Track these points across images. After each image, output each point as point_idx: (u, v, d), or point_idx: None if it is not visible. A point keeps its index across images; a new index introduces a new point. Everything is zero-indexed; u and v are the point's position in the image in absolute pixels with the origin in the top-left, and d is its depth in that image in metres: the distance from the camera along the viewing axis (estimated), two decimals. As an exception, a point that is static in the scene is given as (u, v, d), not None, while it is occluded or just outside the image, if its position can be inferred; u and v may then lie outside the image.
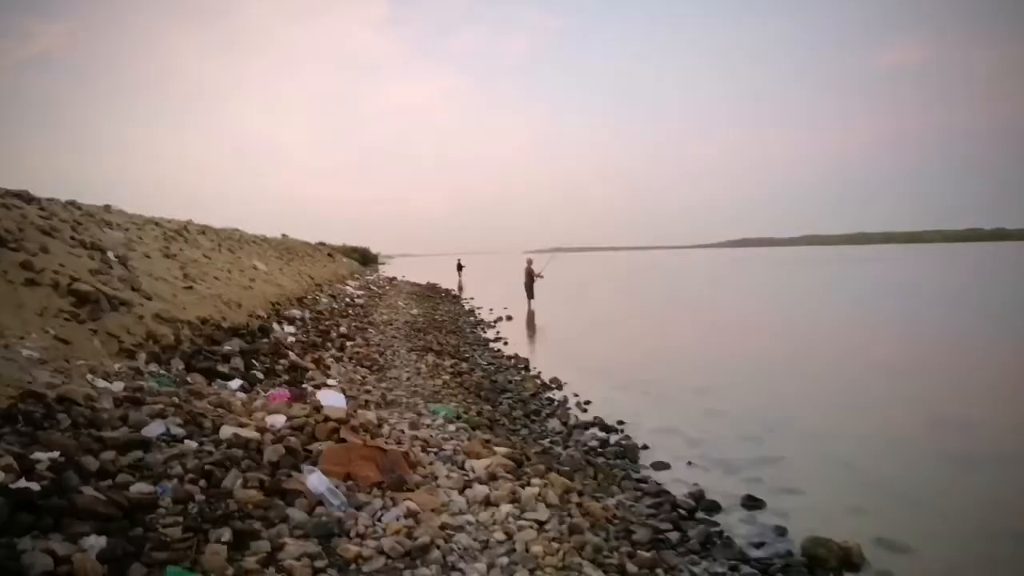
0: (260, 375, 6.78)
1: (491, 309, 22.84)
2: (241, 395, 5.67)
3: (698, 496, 5.71)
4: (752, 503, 5.62)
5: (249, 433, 4.41)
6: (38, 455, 3.39)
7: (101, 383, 4.78)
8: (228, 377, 6.22)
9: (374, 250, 76.54)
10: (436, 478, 4.83)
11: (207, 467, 3.80)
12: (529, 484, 4.96)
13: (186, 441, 4.18)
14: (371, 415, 6.06)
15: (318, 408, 5.55)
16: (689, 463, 6.76)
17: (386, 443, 5.49)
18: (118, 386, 4.81)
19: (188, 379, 5.84)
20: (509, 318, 20.34)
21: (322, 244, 48.83)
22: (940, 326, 17.16)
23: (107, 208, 11.51)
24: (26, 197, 8.36)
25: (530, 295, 23.62)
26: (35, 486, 3.07)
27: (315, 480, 4.00)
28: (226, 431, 4.35)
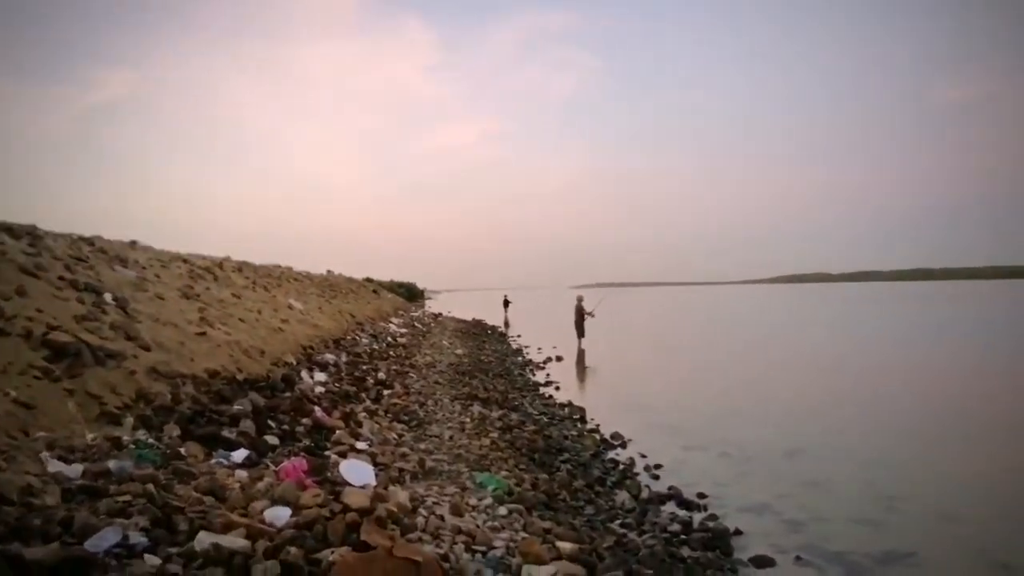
0: (275, 439, 5.69)
1: (539, 348, 21.65)
2: (242, 474, 4.57)
3: (825, 615, 4.35)
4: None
5: (235, 542, 3.28)
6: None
7: (56, 465, 3.74)
8: (233, 445, 5.15)
9: (421, 285, 76.36)
10: (484, 597, 3.62)
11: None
12: (607, 607, 3.72)
13: (147, 556, 3.07)
14: (403, 495, 4.91)
15: (336, 493, 4.42)
16: (798, 558, 5.36)
17: (421, 538, 4.33)
18: (76, 470, 3.76)
19: (182, 450, 4.77)
20: (559, 359, 19.10)
21: (368, 280, 48.48)
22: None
23: (132, 244, 10.80)
24: (18, 232, 7.50)
25: (580, 334, 22.42)
26: None
27: (315, 622, 2.85)
28: (203, 540, 3.23)
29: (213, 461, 4.80)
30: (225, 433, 5.26)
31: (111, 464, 3.88)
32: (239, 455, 4.99)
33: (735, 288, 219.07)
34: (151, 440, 4.78)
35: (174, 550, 3.18)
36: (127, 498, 3.57)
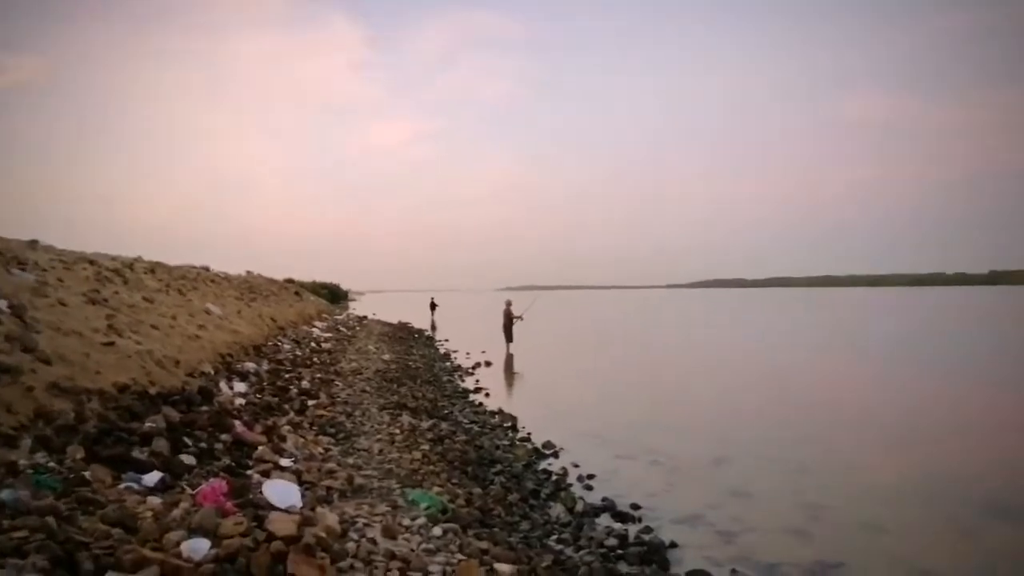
0: (192, 459, 5.28)
1: (468, 353, 21.47)
2: (155, 500, 4.20)
3: (763, 632, 4.36)
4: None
5: (146, 583, 2.97)
6: None
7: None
8: (145, 467, 4.73)
9: (344, 286, 74.64)
10: (422, 631, 3.42)
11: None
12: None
13: (44, 604, 2.73)
14: (332, 518, 4.63)
15: (260, 519, 4.12)
16: (733, 571, 5.40)
17: (353, 565, 4.08)
18: (-42, 505, 3.34)
19: (86, 474, 4.35)
20: (488, 363, 18.99)
21: (290, 281, 47.01)
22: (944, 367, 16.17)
23: (32, 244, 9.97)
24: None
25: (509, 338, 22.42)
26: None
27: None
28: (110, 583, 2.90)
29: (122, 486, 4.38)
30: (136, 454, 4.83)
31: (4, 494, 3.47)
32: (151, 478, 4.59)
33: (659, 292, 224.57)
34: (51, 464, 4.34)
35: (77, 595, 2.85)
36: (23, 534, 3.18)
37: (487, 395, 13.90)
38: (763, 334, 31.92)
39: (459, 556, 4.57)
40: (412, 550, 4.49)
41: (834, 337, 29.44)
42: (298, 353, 14.78)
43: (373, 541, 4.54)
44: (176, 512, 4.02)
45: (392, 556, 4.26)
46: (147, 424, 5.32)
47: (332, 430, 8.14)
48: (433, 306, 44.17)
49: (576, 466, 8.44)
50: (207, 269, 25.25)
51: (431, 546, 4.72)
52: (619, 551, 5.71)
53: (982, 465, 8.56)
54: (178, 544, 3.59)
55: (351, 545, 4.28)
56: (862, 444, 9.66)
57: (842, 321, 40.70)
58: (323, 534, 4.22)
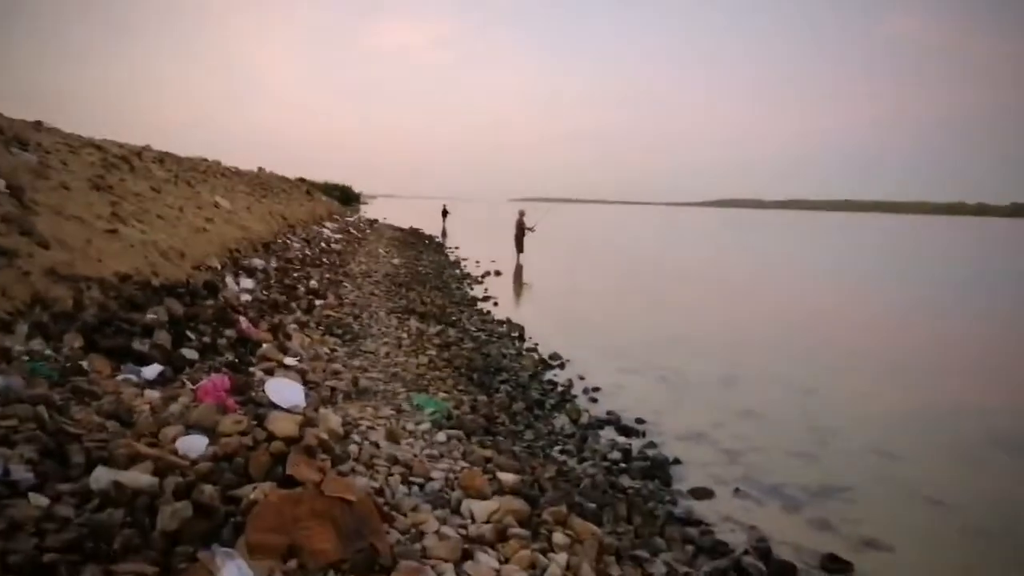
0: (194, 353, 5.19)
1: (477, 262, 21.31)
2: (153, 394, 4.10)
3: (765, 553, 4.32)
4: (836, 567, 4.24)
5: (139, 479, 2.88)
6: None
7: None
8: (145, 359, 4.63)
9: (357, 189, 74.03)
10: (423, 536, 3.36)
11: (47, 558, 2.29)
12: (552, 547, 3.53)
13: (31, 495, 2.64)
14: (335, 420, 4.55)
15: (261, 418, 4.02)
16: (737, 490, 5.36)
17: (354, 468, 4.02)
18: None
19: (84, 363, 4.25)
20: (498, 273, 18.84)
21: (302, 180, 46.53)
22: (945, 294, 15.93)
23: (37, 125, 9.62)
24: None
25: (520, 249, 22.18)
26: None
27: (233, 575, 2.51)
28: (101, 478, 2.81)
29: (120, 378, 4.29)
30: (136, 345, 4.72)
31: (-2, 380, 3.37)
32: (151, 371, 4.49)
33: (678, 209, 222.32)
34: (48, 352, 4.23)
35: (66, 487, 2.76)
36: (12, 423, 3.08)
37: (495, 304, 13.80)
38: (775, 258, 31.57)
39: (462, 463, 4.52)
40: (415, 455, 4.43)
41: (850, 264, 29.08)
42: (308, 252, 14.64)
43: (376, 445, 4.48)
44: (174, 407, 3.93)
45: (395, 461, 4.20)
46: (149, 316, 5.19)
47: (339, 331, 8.06)
48: (445, 213, 43.74)
49: (582, 378, 8.39)
50: (219, 163, 24.86)
51: (434, 452, 4.67)
52: (622, 465, 5.68)
53: (992, 397, 8.45)
54: (174, 440, 3.50)
55: (353, 448, 4.21)
56: (873, 371, 9.54)
57: (860, 248, 40.18)
58: (325, 436, 4.13)
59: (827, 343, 11.41)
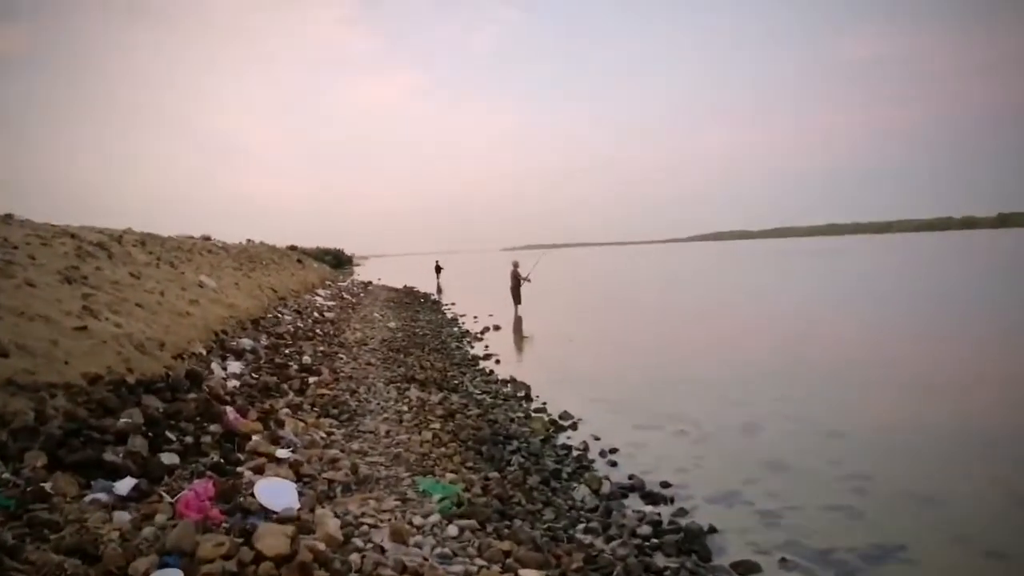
0: (175, 457, 4.71)
1: (475, 317, 20.92)
2: (123, 516, 3.62)
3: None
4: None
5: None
6: None
7: None
8: (119, 472, 4.17)
9: (348, 251, 74.09)
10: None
11: None
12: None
13: None
14: (333, 525, 4.08)
15: (247, 534, 3.55)
16: (783, 560, 4.84)
17: (357, 583, 3.54)
18: None
19: (47, 485, 3.78)
20: (496, 327, 18.41)
21: (292, 248, 46.45)
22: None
23: (6, 218, 9.29)
24: None
25: (517, 300, 21.80)
26: None
27: None
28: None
29: (88, 498, 3.81)
30: (108, 456, 4.25)
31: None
32: (124, 485, 4.01)
33: (663, 247, 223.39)
34: (6, 475, 3.76)
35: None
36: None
37: (497, 361, 13.34)
38: (770, 288, 31.30)
39: (479, 562, 4.03)
40: (425, 559, 3.94)
41: (844, 289, 28.81)
42: (300, 325, 14.21)
43: (380, 548, 4.01)
44: (148, 530, 3.46)
45: (403, 569, 3.71)
46: (121, 420, 4.73)
47: (335, 411, 7.59)
48: (438, 269, 43.46)
49: (597, 439, 7.90)
50: (208, 239, 24.57)
51: (446, 550, 4.17)
52: (654, 540, 5.17)
53: (1019, 416, 8.00)
54: (147, 574, 3.03)
55: (355, 557, 3.73)
56: (890, 401, 9.09)
57: (851, 272, 40.03)
58: (322, 545, 3.68)
59: (836, 376, 10.98)
